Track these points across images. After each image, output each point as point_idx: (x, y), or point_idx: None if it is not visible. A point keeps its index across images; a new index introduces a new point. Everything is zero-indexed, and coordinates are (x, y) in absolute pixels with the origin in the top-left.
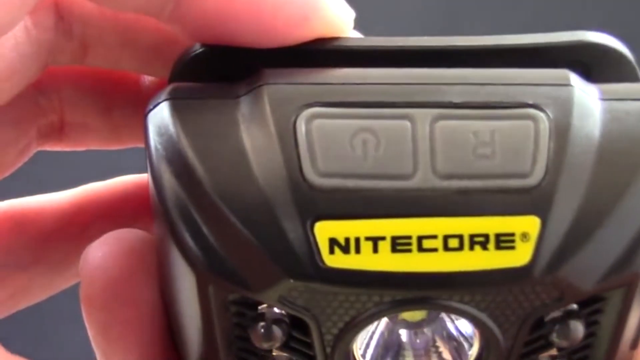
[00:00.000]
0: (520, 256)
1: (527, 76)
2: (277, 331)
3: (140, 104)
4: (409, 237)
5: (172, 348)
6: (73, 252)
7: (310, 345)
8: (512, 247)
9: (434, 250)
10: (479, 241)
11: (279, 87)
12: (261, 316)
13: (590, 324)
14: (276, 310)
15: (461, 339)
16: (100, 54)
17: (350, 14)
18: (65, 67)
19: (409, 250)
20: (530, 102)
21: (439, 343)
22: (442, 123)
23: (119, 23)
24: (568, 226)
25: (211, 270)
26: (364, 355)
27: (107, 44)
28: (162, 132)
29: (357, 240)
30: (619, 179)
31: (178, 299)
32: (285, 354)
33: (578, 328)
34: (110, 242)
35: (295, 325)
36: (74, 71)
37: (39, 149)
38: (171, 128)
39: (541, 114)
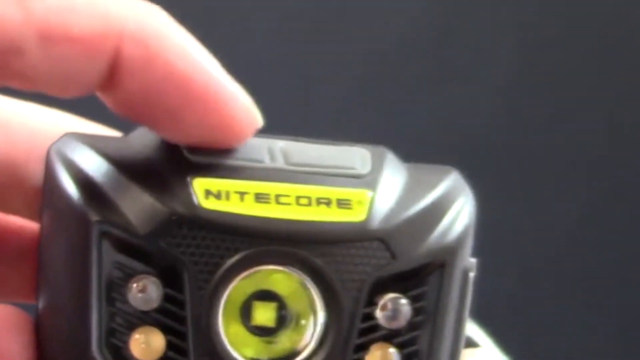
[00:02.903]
0: (357, 214)
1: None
2: (152, 289)
3: (23, 259)
4: (268, 195)
5: None
6: None
7: (183, 305)
8: (350, 207)
9: (288, 204)
10: (324, 202)
11: None
12: (140, 275)
13: (416, 312)
14: (153, 277)
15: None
16: None
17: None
18: None
19: (269, 202)
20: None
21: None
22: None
23: (9, 166)
24: (393, 202)
25: (102, 218)
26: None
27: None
28: (61, 142)
29: (227, 192)
30: (428, 179)
31: (64, 276)
32: (157, 329)
33: (405, 307)
34: None
35: (171, 285)
36: None
37: None
38: (72, 139)
39: (362, 149)
